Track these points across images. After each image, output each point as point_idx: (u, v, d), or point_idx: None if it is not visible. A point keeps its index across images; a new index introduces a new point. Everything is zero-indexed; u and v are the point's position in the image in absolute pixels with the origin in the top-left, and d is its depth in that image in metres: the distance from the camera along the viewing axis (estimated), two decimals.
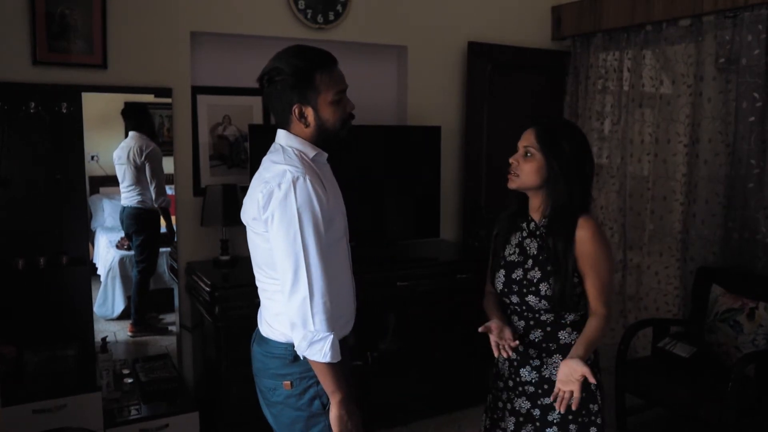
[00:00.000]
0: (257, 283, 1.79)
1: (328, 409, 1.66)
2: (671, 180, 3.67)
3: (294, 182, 1.57)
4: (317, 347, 1.58)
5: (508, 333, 1.85)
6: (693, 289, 3.43)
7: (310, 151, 1.69)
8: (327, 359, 1.58)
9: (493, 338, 1.83)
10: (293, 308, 1.59)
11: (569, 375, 1.63)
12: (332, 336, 1.59)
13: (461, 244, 3.94)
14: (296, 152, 1.66)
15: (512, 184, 1.87)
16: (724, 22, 3.30)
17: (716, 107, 3.41)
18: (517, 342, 1.84)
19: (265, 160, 1.72)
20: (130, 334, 3.29)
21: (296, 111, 1.65)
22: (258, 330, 1.83)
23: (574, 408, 1.63)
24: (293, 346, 1.63)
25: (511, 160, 1.87)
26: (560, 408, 1.61)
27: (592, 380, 1.59)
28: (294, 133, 1.69)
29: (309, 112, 1.65)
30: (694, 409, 2.90)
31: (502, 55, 3.93)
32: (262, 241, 1.67)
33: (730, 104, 3.33)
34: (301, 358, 1.64)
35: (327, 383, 1.63)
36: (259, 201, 1.61)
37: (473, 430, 3.29)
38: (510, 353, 1.82)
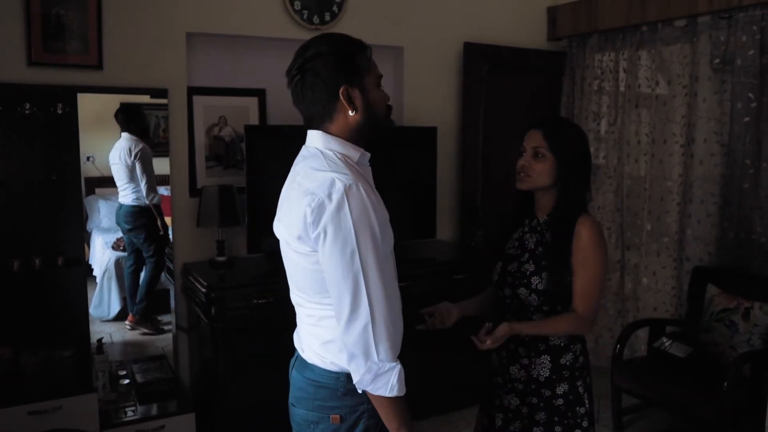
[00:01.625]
0: (296, 306, 1.58)
1: None
2: (668, 180, 3.68)
3: (347, 192, 1.36)
4: (383, 381, 1.39)
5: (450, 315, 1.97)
6: (689, 289, 3.44)
7: (354, 153, 1.48)
8: (394, 393, 1.40)
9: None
10: (352, 338, 1.39)
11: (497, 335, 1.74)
12: (399, 366, 1.41)
13: (458, 245, 3.94)
14: (339, 156, 1.45)
15: (524, 185, 1.85)
16: (719, 23, 3.31)
17: (711, 107, 3.43)
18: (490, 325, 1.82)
19: (302, 167, 1.48)
20: (128, 324, 3.29)
21: (344, 94, 1.43)
22: (299, 355, 1.61)
23: (476, 340, 1.76)
24: (347, 377, 1.45)
25: (522, 162, 1.85)
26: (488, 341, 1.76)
27: (489, 344, 1.74)
28: (332, 132, 1.47)
29: (357, 95, 1.45)
30: (690, 408, 2.91)
31: (498, 55, 3.93)
32: (308, 262, 1.45)
33: (725, 104, 3.35)
34: (360, 391, 1.45)
35: (391, 419, 1.45)
36: (307, 216, 1.38)
37: (470, 430, 3.30)
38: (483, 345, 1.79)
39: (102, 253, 3.29)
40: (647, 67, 3.79)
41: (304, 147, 1.54)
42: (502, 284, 1.91)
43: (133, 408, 2.93)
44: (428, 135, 3.62)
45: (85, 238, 3.12)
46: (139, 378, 3.06)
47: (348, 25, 3.48)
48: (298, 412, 1.57)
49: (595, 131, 4.06)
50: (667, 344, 3.21)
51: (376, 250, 1.39)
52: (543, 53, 4.16)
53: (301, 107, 1.51)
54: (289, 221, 1.47)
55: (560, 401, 1.85)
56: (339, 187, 1.37)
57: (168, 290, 3.29)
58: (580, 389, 1.88)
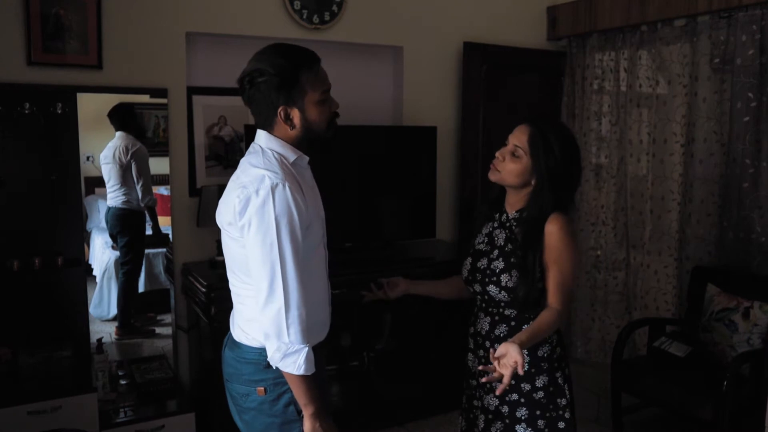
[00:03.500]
0: (231, 287, 1.74)
1: (303, 415, 1.64)
2: (669, 180, 3.69)
3: (273, 189, 1.53)
4: (291, 359, 1.55)
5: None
6: (688, 289, 3.44)
7: (291, 155, 1.64)
8: (301, 372, 1.55)
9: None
10: (267, 319, 1.55)
11: (506, 359, 1.60)
12: (307, 348, 1.56)
13: (457, 244, 3.94)
14: (276, 156, 1.62)
15: (492, 177, 1.87)
16: (719, 23, 3.31)
17: (711, 107, 3.43)
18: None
19: (243, 162, 1.66)
20: (116, 337, 3.27)
21: (282, 114, 1.60)
22: (230, 334, 1.78)
23: (498, 393, 1.63)
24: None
25: (497, 154, 1.85)
26: (497, 392, 1.63)
27: (520, 371, 1.58)
28: (276, 135, 1.64)
29: (295, 114, 1.61)
30: (690, 408, 2.91)
31: (497, 55, 3.93)
32: (238, 246, 1.62)
33: (725, 104, 3.35)
34: (274, 368, 1.61)
35: (300, 395, 1.60)
36: (236, 206, 1.56)
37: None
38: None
39: (102, 253, 3.29)
40: (647, 66, 3.79)
41: (252, 143, 1.69)
42: (471, 281, 1.90)
43: (132, 408, 2.93)
44: (428, 135, 3.62)
45: (84, 238, 3.12)
46: (138, 378, 3.07)
47: (347, 24, 3.48)
48: (232, 387, 1.74)
49: (597, 131, 4.06)
50: (666, 344, 3.21)
51: (295, 244, 1.54)
52: (542, 53, 4.16)
53: (251, 111, 1.68)
54: (224, 209, 1.65)
55: (541, 394, 1.84)
56: (267, 184, 1.53)
57: (168, 290, 3.29)
58: (560, 380, 1.88)
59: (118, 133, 3.18)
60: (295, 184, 1.58)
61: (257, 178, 1.55)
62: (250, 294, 1.61)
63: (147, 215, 3.30)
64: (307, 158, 1.70)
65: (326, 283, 1.78)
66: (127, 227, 3.27)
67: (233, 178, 1.66)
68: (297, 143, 1.65)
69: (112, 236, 3.27)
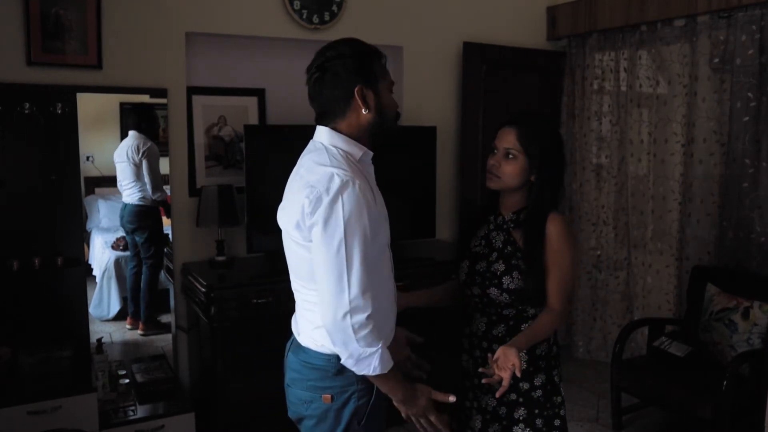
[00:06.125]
0: (294, 292, 1.68)
1: (363, 425, 1.62)
2: (670, 180, 3.69)
3: (343, 187, 1.46)
4: (365, 364, 1.51)
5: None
6: (688, 289, 3.44)
7: (357, 151, 1.57)
8: (377, 372, 1.52)
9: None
10: (335, 324, 1.49)
11: (503, 362, 1.63)
12: (379, 349, 1.51)
13: (457, 244, 3.93)
14: (341, 153, 1.55)
15: (494, 185, 1.86)
16: (719, 23, 3.31)
17: (711, 107, 3.43)
18: None
19: (306, 161, 1.59)
20: (140, 332, 3.31)
21: (359, 93, 1.53)
22: (294, 338, 1.71)
23: (497, 396, 1.66)
24: (337, 358, 1.55)
25: (491, 162, 1.85)
26: (497, 394, 1.66)
27: (518, 373, 1.61)
28: (340, 129, 1.57)
29: (371, 96, 1.55)
30: (689, 407, 2.91)
31: (497, 55, 3.93)
32: (304, 251, 1.55)
33: (725, 104, 3.35)
34: (345, 375, 1.58)
35: (389, 392, 1.61)
36: (305, 207, 1.49)
37: None
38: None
39: (101, 253, 3.29)
40: (648, 66, 3.79)
41: (311, 141, 1.63)
42: (470, 283, 1.90)
43: (132, 408, 2.94)
44: (427, 134, 3.62)
45: (84, 238, 3.12)
46: (138, 378, 3.07)
47: (347, 24, 3.48)
48: (293, 392, 1.67)
49: (597, 131, 4.06)
50: (666, 343, 3.21)
51: (364, 245, 1.48)
52: (542, 53, 4.16)
53: (315, 103, 1.61)
54: (290, 210, 1.57)
55: (539, 392, 1.85)
56: (336, 182, 1.46)
57: (168, 290, 3.29)
58: (556, 378, 1.90)
59: (131, 132, 3.20)
60: (365, 182, 1.52)
61: (326, 176, 1.48)
62: (318, 300, 1.55)
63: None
64: (371, 153, 1.63)
65: (393, 287, 1.70)
66: (145, 223, 3.29)
67: (295, 178, 1.60)
68: (366, 132, 1.59)
69: (130, 232, 3.28)
